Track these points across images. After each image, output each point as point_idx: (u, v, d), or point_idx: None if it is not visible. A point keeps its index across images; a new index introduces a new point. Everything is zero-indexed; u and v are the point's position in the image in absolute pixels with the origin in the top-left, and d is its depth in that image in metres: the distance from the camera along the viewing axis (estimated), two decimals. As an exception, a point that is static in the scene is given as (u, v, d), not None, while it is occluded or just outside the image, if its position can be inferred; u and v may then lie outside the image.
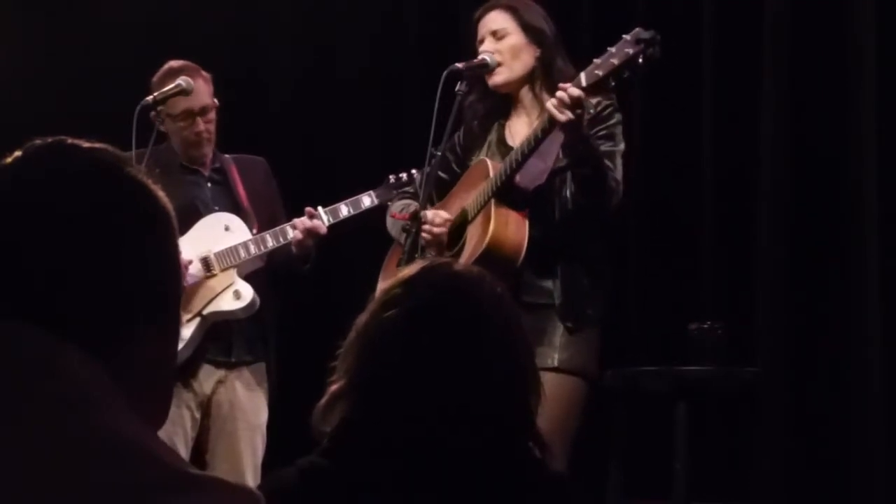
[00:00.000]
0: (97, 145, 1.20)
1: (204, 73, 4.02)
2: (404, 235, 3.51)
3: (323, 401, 1.74)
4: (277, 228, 3.95)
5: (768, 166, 4.33)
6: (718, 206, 4.47)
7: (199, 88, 3.96)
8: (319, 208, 3.96)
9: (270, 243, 3.94)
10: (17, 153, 1.17)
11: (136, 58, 5.08)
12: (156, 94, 3.84)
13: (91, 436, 1.03)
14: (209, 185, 4.08)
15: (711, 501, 4.02)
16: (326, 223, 3.95)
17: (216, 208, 4.03)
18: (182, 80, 3.87)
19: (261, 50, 5.38)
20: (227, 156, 4.14)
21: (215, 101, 4.03)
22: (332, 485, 1.66)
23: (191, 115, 3.97)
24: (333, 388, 1.73)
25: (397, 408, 1.68)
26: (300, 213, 3.98)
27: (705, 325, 3.96)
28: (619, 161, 3.44)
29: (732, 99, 4.45)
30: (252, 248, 3.94)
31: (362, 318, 1.76)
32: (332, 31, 5.41)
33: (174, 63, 4.00)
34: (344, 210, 3.99)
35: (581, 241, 3.46)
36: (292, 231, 3.92)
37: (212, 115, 4.02)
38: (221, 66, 4.87)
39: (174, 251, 1.21)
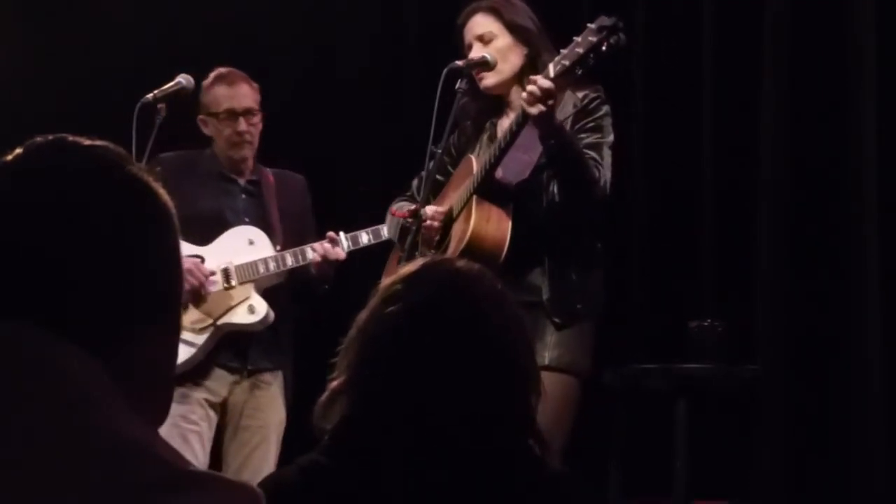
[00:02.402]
0: (98, 143, 1.19)
1: (252, 82, 4.17)
2: (400, 233, 3.51)
3: (323, 397, 1.74)
4: (298, 249, 4.05)
5: (768, 166, 4.33)
6: (718, 206, 4.47)
7: (244, 91, 4.12)
8: (341, 234, 4.05)
9: (290, 262, 4.04)
10: (18, 150, 1.17)
11: (136, 58, 5.08)
12: (156, 91, 3.87)
13: (91, 436, 1.03)
14: (243, 195, 4.19)
15: (712, 499, 4.03)
16: (346, 249, 4.04)
17: (246, 219, 4.14)
18: (182, 79, 3.90)
19: (261, 50, 5.38)
20: (267, 169, 4.25)
21: (261, 110, 4.15)
22: (332, 482, 1.66)
23: (234, 114, 4.09)
24: (334, 384, 1.73)
25: (397, 405, 1.67)
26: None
27: (705, 324, 3.96)
28: (606, 152, 3.44)
29: (732, 99, 4.45)
30: (271, 265, 4.04)
31: (362, 315, 1.76)
32: (332, 31, 5.41)
33: (221, 70, 4.17)
34: (364, 238, 4.07)
35: (569, 236, 3.46)
36: (312, 253, 4.02)
37: (256, 119, 4.13)
38: (221, 66, 4.87)
39: (175, 250, 1.20)
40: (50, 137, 1.19)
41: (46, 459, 1.01)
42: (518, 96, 3.52)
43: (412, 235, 3.41)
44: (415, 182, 3.75)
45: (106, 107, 4.60)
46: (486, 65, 3.50)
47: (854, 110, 4.19)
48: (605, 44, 3.16)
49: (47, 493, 1.00)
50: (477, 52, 3.52)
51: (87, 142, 1.18)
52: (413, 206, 3.54)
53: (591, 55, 3.17)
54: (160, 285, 1.16)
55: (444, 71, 3.43)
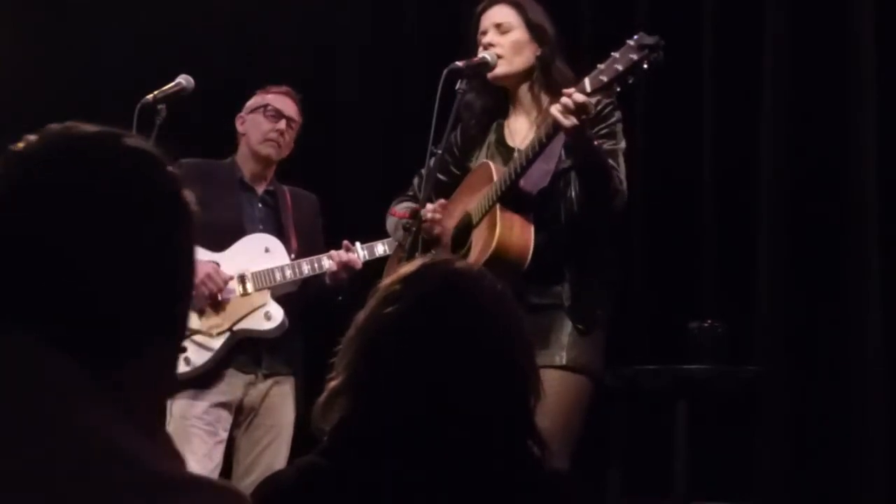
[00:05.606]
0: (136, 143, 1.18)
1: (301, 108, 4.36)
2: (401, 233, 3.51)
3: (322, 398, 1.74)
4: (314, 257, 4.11)
5: (768, 166, 4.34)
6: (718, 205, 4.47)
7: (293, 106, 4.27)
8: (357, 244, 4.11)
9: (306, 270, 4.10)
10: (35, 139, 1.14)
11: (136, 59, 5.09)
12: (156, 92, 3.88)
13: (71, 438, 1.01)
14: (260, 204, 4.26)
15: (711, 500, 4.02)
16: (362, 259, 4.09)
17: (261, 227, 4.20)
18: (182, 79, 3.90)
19: (261, 52, 5.38)
20: (283, 185, 4.33)
21: (295, 140, 4.30)
22: (331, 484, 1.65)
23: (279, 114, 4.23)
24: (332, 384, 1.73)
25: (395, 405, 1.67)
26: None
27: (705, 324, 3.96)
28: (621, 159, 3.43)
29: (732, 99, 4.45)
30: (288, 273, 4.09)
31: (361, 315, 1.75)
32: (332, 31, 5.41)
33: (283, 86, 4.33)
34: (380, 248, 4.12)
35: (589, 243, 3.45)
36: (328, 262, 4.07)
37: (292, 131, 4.27)
38: (221, 67, 4.87)
39: (192, 254, 1.19)
40: (93, 131, 1.19)
41: (27, 461, 1.00)
42: (527, 96, 3.53)
43: (412, 236, 3.40)
44: (416, 181, 3.75)
45: (106, 107, 4.59)
46: (485, 66, 3.49)
47: (854, 110, 4.19)
48: (646, 62, 3.09)
49: (25, 494, 0.99)
50: (491, 37, 3.51)
51: (130, 142, 1.18)
52: (415, 206, 3.53)
53: (631, 74, 3.10)
54: (175, 291, 1.16)
55: (444, 72, 3.42)
